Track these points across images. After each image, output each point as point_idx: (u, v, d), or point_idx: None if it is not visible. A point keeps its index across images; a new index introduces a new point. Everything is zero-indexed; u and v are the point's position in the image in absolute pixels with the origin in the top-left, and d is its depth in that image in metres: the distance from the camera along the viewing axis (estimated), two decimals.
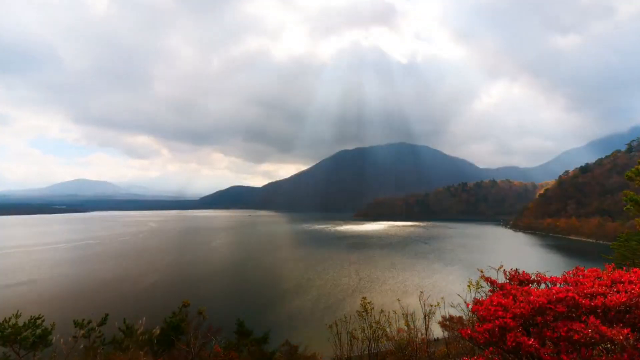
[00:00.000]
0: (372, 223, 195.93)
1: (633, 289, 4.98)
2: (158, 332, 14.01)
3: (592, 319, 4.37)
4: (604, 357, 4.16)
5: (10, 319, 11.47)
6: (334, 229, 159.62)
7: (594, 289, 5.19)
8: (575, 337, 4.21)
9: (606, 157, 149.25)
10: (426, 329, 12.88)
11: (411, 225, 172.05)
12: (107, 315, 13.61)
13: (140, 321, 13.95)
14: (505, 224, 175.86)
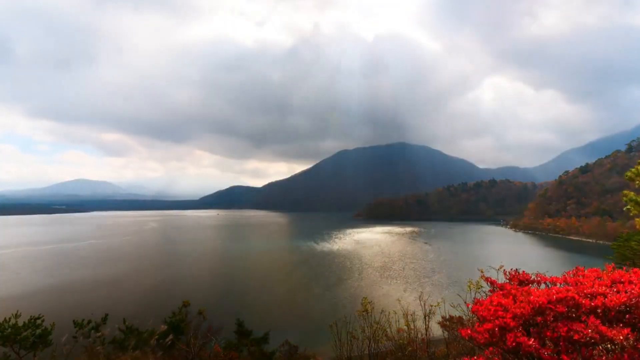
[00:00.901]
0: (373, 224, 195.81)
1: (633, 289, 4.98)
2: (158, 332, 14.02)
3: (592, 319, 4.37)
4: (604, 357, 4.16)
5: (10, 319, 11.47)
6: (334, 228, 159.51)
7: (594, 289, 5.19)
8: (576, 337, 4.21)
9: (606, 157, 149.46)
10: (426, 329, 12.88)
11: (412, 225, 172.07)
12: (107, 315, 13.61)
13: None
14: (506, 224, 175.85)
